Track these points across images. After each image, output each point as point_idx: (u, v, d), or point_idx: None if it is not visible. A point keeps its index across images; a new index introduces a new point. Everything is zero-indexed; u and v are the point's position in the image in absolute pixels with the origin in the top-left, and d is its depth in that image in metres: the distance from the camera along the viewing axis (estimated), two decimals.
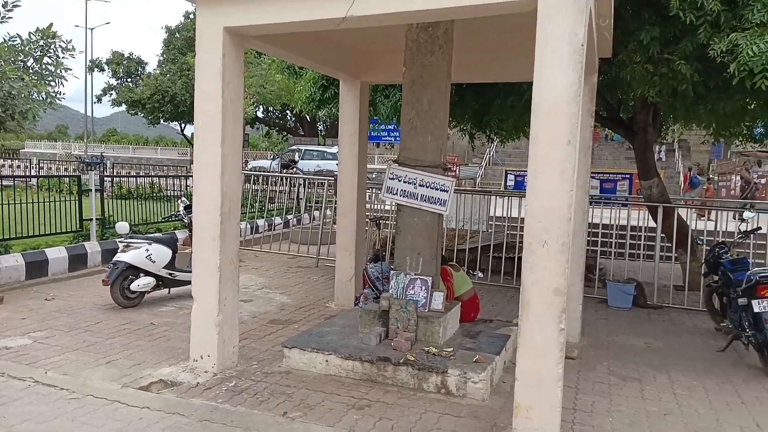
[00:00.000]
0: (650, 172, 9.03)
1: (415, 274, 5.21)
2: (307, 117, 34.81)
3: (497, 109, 8.51)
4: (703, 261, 7.26)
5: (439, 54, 5.19)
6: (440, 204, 5.28)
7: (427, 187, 5.29)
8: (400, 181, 5.37)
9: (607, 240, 10.70)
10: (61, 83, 7.24)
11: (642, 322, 7.02)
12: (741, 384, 5.00)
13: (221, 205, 4.64)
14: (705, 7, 4.84)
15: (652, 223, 9.20)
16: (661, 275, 8.38)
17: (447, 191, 5.27)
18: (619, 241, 9.95)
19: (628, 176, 18.19)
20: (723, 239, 7.65)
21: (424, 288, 5.18)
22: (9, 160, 29.83)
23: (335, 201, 11.32)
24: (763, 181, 21.38)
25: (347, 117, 7.06)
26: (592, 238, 10.51)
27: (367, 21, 4.11)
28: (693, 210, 10.86)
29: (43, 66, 6.68)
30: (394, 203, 5.66)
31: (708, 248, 6.99)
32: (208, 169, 4.67)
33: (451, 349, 4.84)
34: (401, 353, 4.70)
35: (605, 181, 19.20)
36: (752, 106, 6.95)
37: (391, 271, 5.36)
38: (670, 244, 8.58)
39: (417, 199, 5.32)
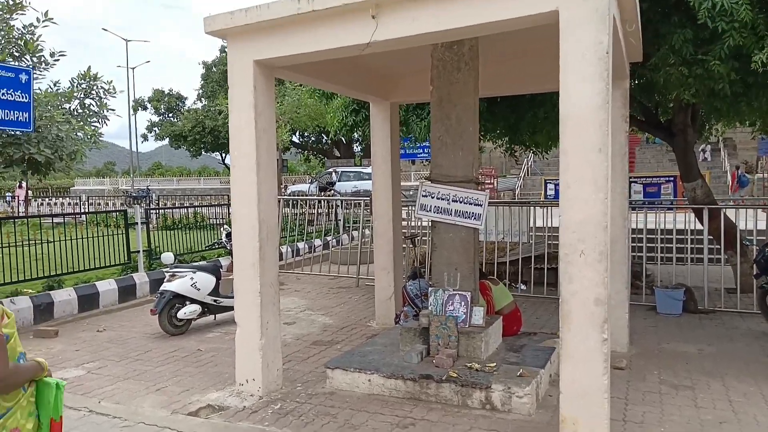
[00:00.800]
0: (693, 174, 8.79)
1: (454, 290, 5.20)
2: (343, 139, 35.23)
3: (530, 121, 8.48)
4: (753, 262, 7.01)
5: (466, 71, 5.23)
6: (475, 218, 5.27)
7: (460, 203, 5.30)
8: (433, 197, 5.40)
9: (653, 245, 10.43)
10: (105, 123, 7.61)
11: (693, 327, 6.80)
12: None
13: (259, 232, 4.75)
14: (734, 15, 4.73)
15: (699, 226, 8.93)
16: (711, 278, 8.12)
17: (481, 205, 5.26)
18: (666, 245, 9.69)
19: (672, 179, 17.69)
20: None
21: (463, 303, 5.16)
22: (60, 199, 31.13)
23: (372, 220, 11.40)
24: None
25: (379, 138, 7.15)
26: (638, 244, 10.26)
27: (390, 44, 4.19)
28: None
29: (86, 108, 7.03)
30: (429, 220, 5.69)
31: (758, 248, 6.75)
32: (244, 198, 4.81)
33: (494, 364, 4.80)
34: (443, 370, 4.69)
35: (649, 185, 18.73)
36: None
37: (429, 288, 5.37)
38: (719, 246, 8.31)
39: (451, 214, 5.33)
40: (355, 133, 10.20)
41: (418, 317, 5.41)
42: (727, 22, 4.81)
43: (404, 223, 11.32)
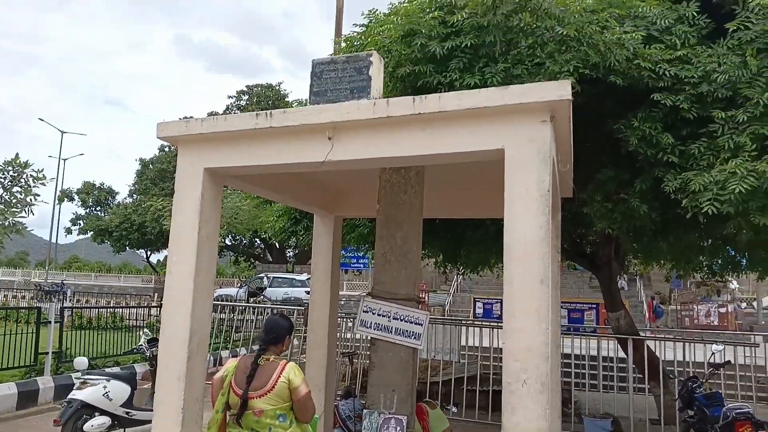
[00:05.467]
0: (616, 304, 9.21)
1: (390, 413, 5.03)
2: (276, 244, 34.99)
3: (467, 240, 8.77)
4: (676, 396, 7.22)
5: (412, 193, 5.42)
6: (415, 338, 5.23)
7: (401, 320, 5.27)
8: (374, 314, 5.34)
9: (579, 371, 10.61)
10: (30, 211, 7.26)
11: None
12: None
13: (189, 342, 4.50)
14: (661, 143, 5.20)
15: (622, 354, 9.21)
16: (636, 408, 8.26)
17: (421, 324, 5.25)
18: (591, 372, 9.87)
19: (595, 306, 18.38)
20: (694, 372, 7.67)
21: (398, 428, 4.97)
22: None
23: (303, 331, 11.06)
24: (722, 310, 21.80)
25: (320, 250, 7.13)
26: (565, 369, 10.41)
27: (343, 165, 4.30)
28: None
29: (12, 195, 6.73)
30: (369, 337, 5.58)
31: (681, 381, 6.99)
32: (178, 305, 4.58)
33: None
34: None
35: (572, 310, 19.31)
36: (707, 243, 7.26)
37: (364, 410, 5.17)
38: (642, 376, 8.55)
39: (391, 332, 5.27)
40: (291, 240, 10.17)
41: None
42: (653, 152, 5.25)
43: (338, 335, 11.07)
